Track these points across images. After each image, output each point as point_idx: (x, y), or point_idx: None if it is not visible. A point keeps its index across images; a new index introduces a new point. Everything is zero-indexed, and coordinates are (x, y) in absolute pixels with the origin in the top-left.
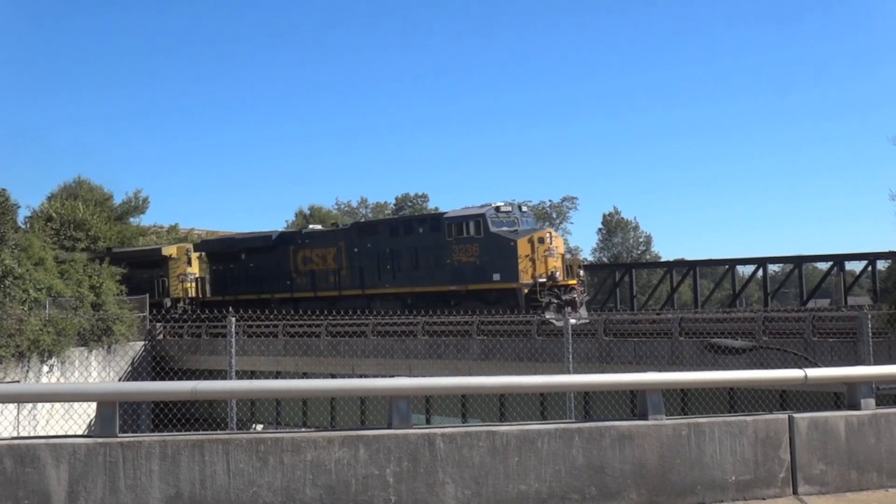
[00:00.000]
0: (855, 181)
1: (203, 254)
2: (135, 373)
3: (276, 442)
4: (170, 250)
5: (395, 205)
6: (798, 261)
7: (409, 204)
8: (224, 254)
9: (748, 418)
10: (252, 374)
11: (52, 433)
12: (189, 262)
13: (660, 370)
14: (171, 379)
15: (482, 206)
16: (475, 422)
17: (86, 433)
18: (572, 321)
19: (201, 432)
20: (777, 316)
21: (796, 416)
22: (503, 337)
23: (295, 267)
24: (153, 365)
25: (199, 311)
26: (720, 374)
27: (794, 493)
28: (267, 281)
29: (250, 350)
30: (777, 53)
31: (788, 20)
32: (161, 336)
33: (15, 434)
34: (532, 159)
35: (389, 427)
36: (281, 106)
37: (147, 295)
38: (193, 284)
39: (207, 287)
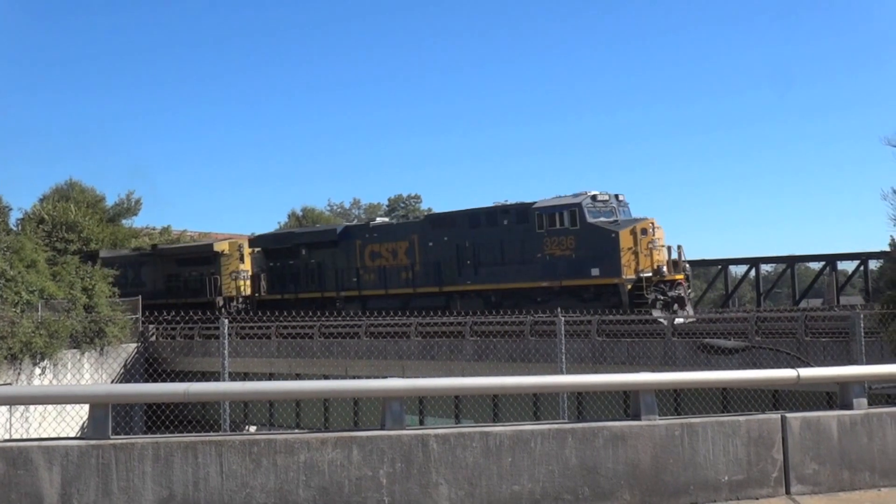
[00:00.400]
0: (846, 181)
1: (256, 250)
2: (127, 375)
3: (269, 443)
4: (222, 246)
5: (387, 206)
6: (790, 261)
7: (402, 205)
8: (282, 249)
9: (741, 418)
10: (245, 376)
11: (44, 435)
12: (241, 259)
13: (653, 370)
14: (164, 381)
15: (575, 196)
16: (468, 423)
17: (78, 435)
18: (679, 320)
19: (194, 434)
20: (770, 316)
21: (789, 415)
22: (496, 338)
23: (362, 263)
24: (146, 367)
25: (256, 311)
26: (713, 375)
27: (787, 492)
28: (331, 278)
29: (243, 352)
30: (773, 52)
31: (784, 18)
32: (153, 338)
33: (7, 436)
34: (524, 160)
35: (383, 428)
36: (271, 108)
37: (140, 297)
38: (247, 282)
39: (263, 285)
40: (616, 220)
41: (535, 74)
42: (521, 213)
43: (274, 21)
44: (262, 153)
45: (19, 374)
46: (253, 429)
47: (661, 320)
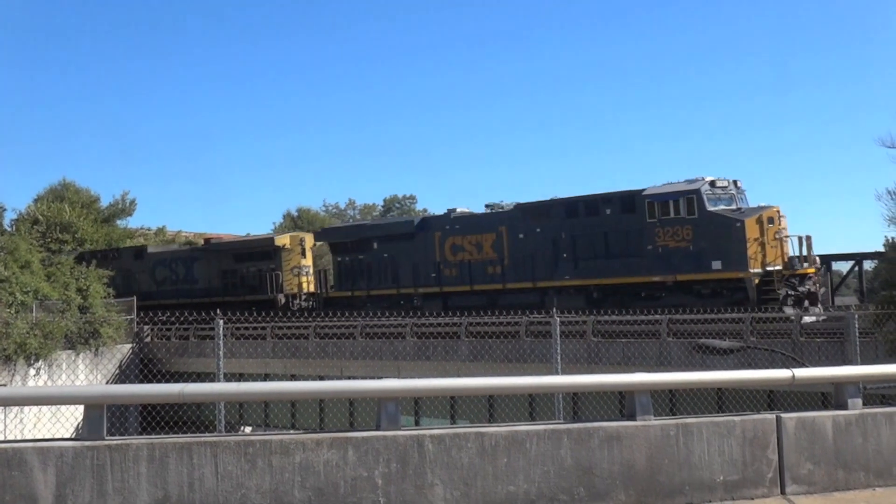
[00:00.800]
0: (841, 181)
1: (320, 244)
2: (122, 375)
3: (264, 444)
4: (283, 240)
5: (383, 206)
6: None
7: (398, 205)
8: (351, 243)
9: (736, 418)
10: (240, 377)
11: (39, 436)
12: (303, 254)
13: (648, 371)
14: (159, 381)
15: (691, 182)
16: (464, 423)
17: (73, 436)
18: (810, 318)
19: (189, 435)
20: (765, 316)
21: (784, 416)
22: (491, 338)
23: (443, 257)
24: (141, 367)
25: (325, 310)
26: (708, 375)
27: (782, 492)
28: (407, 274)
29: (238, 352)
30: (773, 50)
31: (784, 15)
32: (149, 339)
33: (2, 438)
34: (521, 159)
35: (378, 429)
36: (266, 107)
37: (133, 298)
38: (309, 278)
39: (330, 281)
40: (739, 208)
41: (533, 71)
42: (628, 202)
43: (270, 18)
44: (257, 153)
45: (14, 375)
46: (248, 429)
47: (793, 318)
